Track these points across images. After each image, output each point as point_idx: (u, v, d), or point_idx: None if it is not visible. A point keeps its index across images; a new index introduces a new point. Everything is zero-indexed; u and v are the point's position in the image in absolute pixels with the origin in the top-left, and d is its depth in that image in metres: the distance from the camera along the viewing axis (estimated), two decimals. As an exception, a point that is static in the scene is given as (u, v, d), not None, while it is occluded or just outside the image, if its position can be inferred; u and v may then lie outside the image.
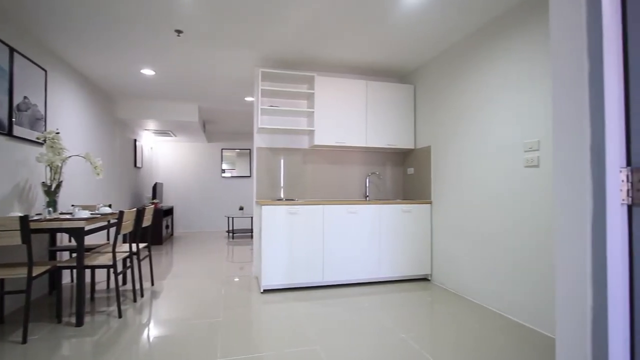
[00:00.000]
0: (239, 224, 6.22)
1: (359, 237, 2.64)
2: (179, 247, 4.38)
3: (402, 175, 3.29)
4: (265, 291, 2.48)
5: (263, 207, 2.46)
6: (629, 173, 0.74)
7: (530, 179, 1.90)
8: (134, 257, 2.92)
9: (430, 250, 2.79)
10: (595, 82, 0.76)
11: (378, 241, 2.68)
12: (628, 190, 0.74)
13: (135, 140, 4.78)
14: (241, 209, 5.33)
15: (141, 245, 2.55)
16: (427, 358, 1.51)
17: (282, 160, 3.01)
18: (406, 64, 2.99)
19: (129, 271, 2.84)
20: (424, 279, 2.82)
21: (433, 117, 2.81)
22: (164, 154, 6.01)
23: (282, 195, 2.99)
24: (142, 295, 2.39)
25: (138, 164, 4.87)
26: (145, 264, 3.28)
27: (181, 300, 2.28)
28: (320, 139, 2.83)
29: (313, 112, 2.82)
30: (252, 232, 5.33)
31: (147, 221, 2.53)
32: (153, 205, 2.92)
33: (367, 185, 3.18)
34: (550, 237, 1.77)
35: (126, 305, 2.19)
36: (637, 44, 0.74)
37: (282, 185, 2.99)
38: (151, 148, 5.62)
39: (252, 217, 5.75)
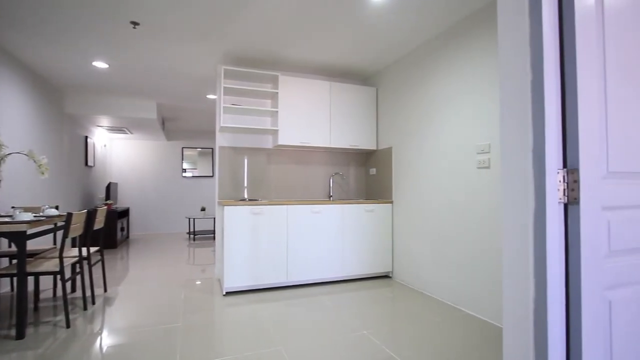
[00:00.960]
0: (201, 225, 6.03)
1: (323, 236, 2.66)
2: (136, 251, 4.16)
3: (365, 175, 3.36)
4: (228, 294, 2.43)
5: (226, 207, 2.40)
6: (565, 174, 0.82)
7: (483, 179, 2.02)
8: (84, 262, 2.74)
9: (392, 248, 2.88)
10: (536, 91, 0.82)
11: (342, 240, 2.72)
12: (564, 190, 0.81)
13: (86, 137, 4.47)
14: (203, 209, 5.17)
15: (92, 249, 2.39)
16: (387, 352, 1.56)
17: (245, 160, 2.96)
18: (369, 67, 3.06)
19: (78, 277, 2.66)
20: (386, 276, 2.90)
21: (394, 118, 2.90)
22: (119, 152, 5.68)
23: (245, 196, 2.94)
24: (93, 303, 2.24)
25: (89, 163, 4.56)
26: (97, 270, 3.08)
27: (137, 307, 2.17)
28: (285, 139, 2.82)
29: (277, 111, 2.80)
30: (214, 233, 5.19)
31: (99, 223, 2.38)
32: (106, 207, 2.76)
33: (331, 185, 3.21)
34: (500, 235, 1.89)
35: (75, 314, 2.04)
36: (571, 58, 0.81)
37: (245, 185, 2.94)
38: (104, 146, 5.29)
39: (214, 218, 5.60)
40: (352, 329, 1.82)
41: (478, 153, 2.05)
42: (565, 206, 0.82)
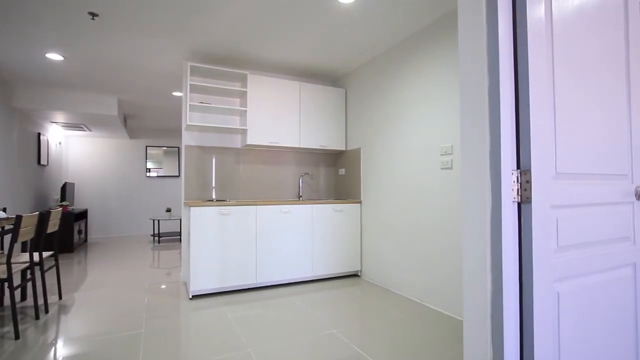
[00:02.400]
0: (166, 227, 5.81)
1: (292, 237, 2.66)
2: (95, 255, 3.93)
3: (334, 175, 3.39)
4: (195, 297, 2.36)
5: (192, 208, 2.33)
6: (519, 175, 0.87)
7: (445, 180, 2.11)
8: (36, 268, 2.56)
9: (360, 247, 2.92)
10: (493, 96, 0.87)
11: (311, 240, 2.73)
12: (518, 190, 0.87)
13: (39, 134, 4.18)
14: (168, 210, 4.98)
15: (45, 254, 2.23)
16: (355, 350, 1.59)
17: (213, 160, 2.89)
18: (338, 68, 3.09)
19: (29, 284, 2.48)
20: (355, 275, 2.95)
21: (363, 120, 2.96)
22: (76, 150, 5.34)
23: (213, 196, 2.87)
24: (46, 312, 2.10)
25: (43, 161, 4.26)
26: (51, 276, 2.89)
27: (96, 314, 2.06)
28: (254, 139, 2.79)
29: (246, 110, 2.76)
30: (180, 235, 5.02)
31: (53, 226, 2.23)
32: (61, 208, 2.59)
33: (301, 185, 3.21)
34: (461, 233, 1.98)
35: (26, 324, 1.90)
36: (524, 66, 0.87)
37: (213, 185, 2.87)
38: (59, 143, 4.96)
39: (180, 219, 5.42)
40: (321, 328, 1.83)
41: (441, 154, 2.14)
42: (519, 205, 0.87)
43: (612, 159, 1.05)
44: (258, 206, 2.54)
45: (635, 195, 1.11)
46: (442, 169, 2.13)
